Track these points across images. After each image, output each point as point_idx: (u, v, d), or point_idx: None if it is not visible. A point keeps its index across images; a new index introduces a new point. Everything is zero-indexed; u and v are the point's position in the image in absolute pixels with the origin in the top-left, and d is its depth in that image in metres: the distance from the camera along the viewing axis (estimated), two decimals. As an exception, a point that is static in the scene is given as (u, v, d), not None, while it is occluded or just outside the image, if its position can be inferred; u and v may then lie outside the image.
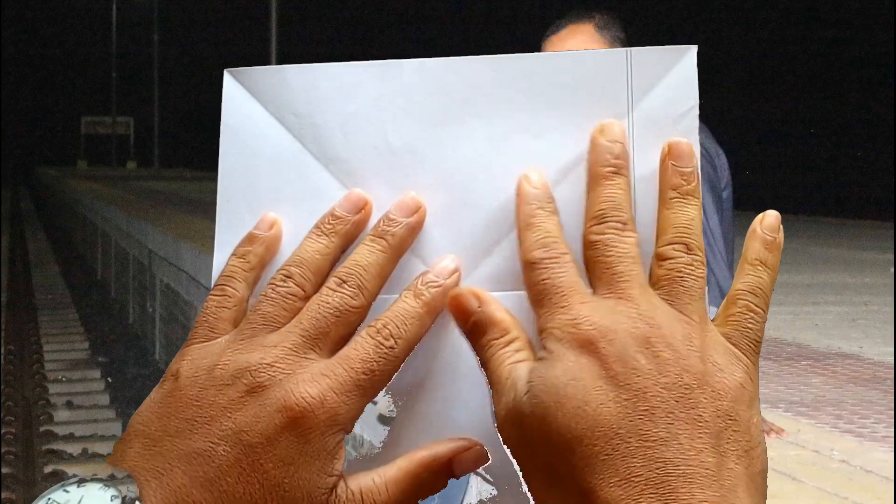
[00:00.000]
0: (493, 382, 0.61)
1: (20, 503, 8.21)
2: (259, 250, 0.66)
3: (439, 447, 0.63)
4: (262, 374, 0.61)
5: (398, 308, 0.63)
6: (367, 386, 0.61)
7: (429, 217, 0.66)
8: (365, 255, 0.64)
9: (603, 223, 0.62)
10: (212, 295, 0.65)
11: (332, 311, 0.63)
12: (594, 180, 0.63)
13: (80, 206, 26.81)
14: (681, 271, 0.61)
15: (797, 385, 5.62)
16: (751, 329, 0.61)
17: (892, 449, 4.18)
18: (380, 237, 0.65)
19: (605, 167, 0.63)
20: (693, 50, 0.66)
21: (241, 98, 0.69)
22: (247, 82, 0.69)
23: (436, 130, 0.67)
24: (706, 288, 0.62)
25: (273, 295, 0.64)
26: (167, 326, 13.39)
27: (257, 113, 0.69)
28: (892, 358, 6.04)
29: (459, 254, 0.66)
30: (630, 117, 0.65)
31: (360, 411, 0.62)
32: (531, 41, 3.86)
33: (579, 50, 0.70)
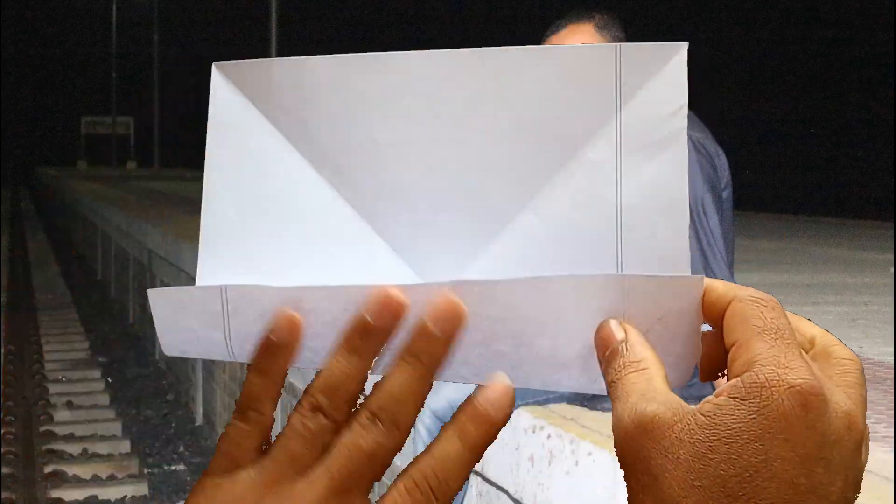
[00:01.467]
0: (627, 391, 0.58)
1: (20, 503, 8.21)
2: (282, 363, 0.58)
3: None
4: None
5: (443, 454, 0.55)
6: None
7: (415, 217, 0.65)
8: (403, 382, 0.56)
9: None
10: (235, 421, 0.58)
11: (363, 456, 0.55)
12: None
13: (80, 206, 26.79)
14: None
15: (797, 385, 5.58)
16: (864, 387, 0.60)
17: (892, 449, 4.18)
18: (415, 357, 0.56)
19: None
20: (684, 46, 0.64)
21: (228, 93, 0.67)
22: (235, 76, 0.68)
23: (422, 127, 0.65)
24: None
25: (301, 430, 0.56)
26: (167, 326, 13.33)
27: (245, 108, 0.67)
28: (892, 358, 6.04)
29: (446, 254, 0.65)
30: (618, 115, 0.64)
31: None
32: (531, 41, 3.86)
33: (567, 44, 0.69)
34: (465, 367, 0.62)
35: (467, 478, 0.56)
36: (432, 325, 0.56)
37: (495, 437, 0.56)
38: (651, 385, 0.57)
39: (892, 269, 9.56)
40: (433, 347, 0.56)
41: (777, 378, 0.55)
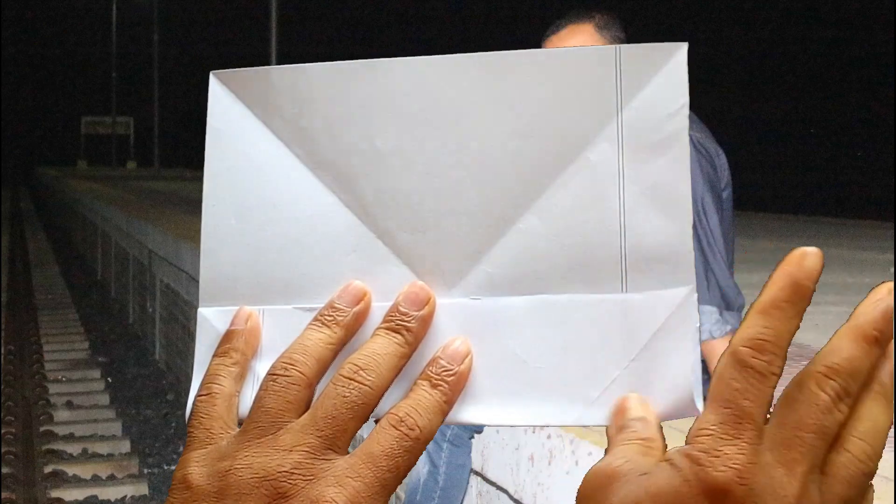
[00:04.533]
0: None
1: (20, 503, 8.21)
2: (239, 345, 0.64)
3: None
4: (283, 483, 0.58)
5: (418, 398, 0.61)
6: (393, 483, 0.59)
7: (417, 223, 0.65)
8: (382, 345, 0.62)
9: (829, 381, 0.55)
10: (199, 397, 0.63)
11: (348, 407, 0.60)
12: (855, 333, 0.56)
13: (80, 206, 26.81)
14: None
15: (797, 385, 5.61)
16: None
17: (893, 449, 4.19)
18: (396, 331, 0.63)
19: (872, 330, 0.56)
20: (684, 47, 0.64)
21: (226, 100, 0.68)
22: (232, 84, 0.68)
23: (422, 132, 0.65)
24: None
25: (275, 387, 0.61)
26: (167, 326, 13.39)
27: (243, 116, 0.67)
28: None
29: (449, 259, 0.65)
30: (619, 116, 0.64)
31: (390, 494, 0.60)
32: (531, 41, 3.86)
33: (566, 47, 0.69)
34: (469, 391, 0.63)
35: (443, 419, 0.62)
36: (406, 304, 0.63)
37: (462, 383, 0.62)
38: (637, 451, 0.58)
39: (892, 269, 9.56)
40: (410, 322, 0.63)
41: (694, 475, 0.54)
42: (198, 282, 0.67)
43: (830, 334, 0.59)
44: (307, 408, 0.61)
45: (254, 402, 0.61)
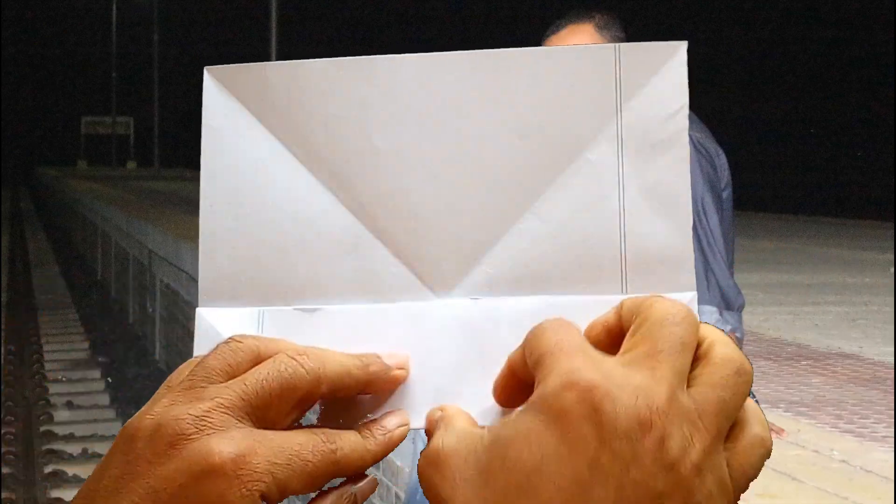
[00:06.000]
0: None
1: (20, 503, 8.21)
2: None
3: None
4: (187, 426, 0.57)
5: (355, 439, 0.60)
6: (298, 471, 0.57)
7: (416, 222, 0.65)
8: (342, 355, 0.61)
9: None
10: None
11: (279, 381, 0.59)
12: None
13: (80, 206, 26.79)
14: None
15: (797, 385, 5.63)
16: (756, 469, 0.56)
17: (892, 449, 4.18)
18: (363, 360, 0.62)
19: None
20: (683, 46, 0.64)
21: (222, 98, 0.67)
22: (228, 81, 0.67)
23: (421, 130, 0.65)
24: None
25: (224, 349, 0.60)
26: (167, 326, 13.38)
27: (239, 113, 0.67)
28: (892, 358, 6.05)
29: (449, 259, 0.65)
30: (619, 116, 0.64)
31: (287, 492, 0.58)
32: (531, 41, 3.86)
33: (566, 45, 0.68)
34: (465, 386, 0.63)
35: (366, 466, 0.60)
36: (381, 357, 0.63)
37: (392, 446, 0.62)
38: (448, 427, 0.58)
39: (892, 269, 9.56)
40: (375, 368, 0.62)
41: (557, 383, 0.53)
42: (197, 282, 0.67)
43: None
44: None
45: (199, 360, 0.61)
